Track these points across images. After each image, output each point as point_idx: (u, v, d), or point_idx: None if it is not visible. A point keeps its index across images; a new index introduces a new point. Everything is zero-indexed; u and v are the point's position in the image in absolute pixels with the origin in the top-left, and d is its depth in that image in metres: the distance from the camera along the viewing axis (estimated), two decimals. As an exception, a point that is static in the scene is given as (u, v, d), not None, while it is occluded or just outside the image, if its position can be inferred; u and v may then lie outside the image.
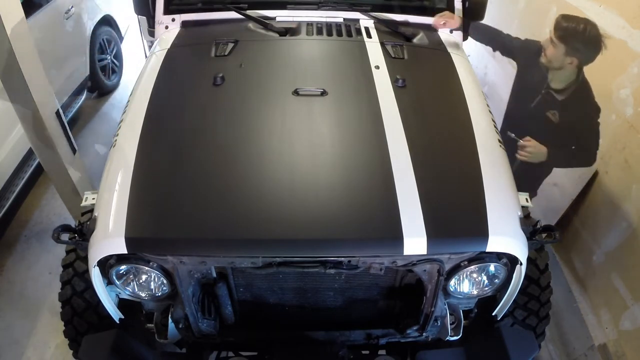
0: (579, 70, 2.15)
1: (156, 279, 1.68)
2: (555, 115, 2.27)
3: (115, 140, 1.89)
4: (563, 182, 2.92)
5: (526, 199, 1.84)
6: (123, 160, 1.78)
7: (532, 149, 2.36)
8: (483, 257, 1.63)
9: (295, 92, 2.02)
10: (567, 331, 2.68)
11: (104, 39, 4.71)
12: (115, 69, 5.02)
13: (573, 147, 2.29)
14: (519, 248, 1.60)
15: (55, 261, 2.98)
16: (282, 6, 2.63)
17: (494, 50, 2.58)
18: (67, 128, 2.71)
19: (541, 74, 2.25)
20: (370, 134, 1.85)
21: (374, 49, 2.34)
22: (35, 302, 2.86)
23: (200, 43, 2.42)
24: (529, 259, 1.65)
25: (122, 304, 1.82)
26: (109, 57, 4.86)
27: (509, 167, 1.87)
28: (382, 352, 1.98)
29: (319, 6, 2.62)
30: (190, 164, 1.74)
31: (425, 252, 1.52)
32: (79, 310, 1.94)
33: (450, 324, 1.80)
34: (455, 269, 1.64)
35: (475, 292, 1.76)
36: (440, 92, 2.18)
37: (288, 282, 1.76)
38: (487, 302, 1.89)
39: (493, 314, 1.88)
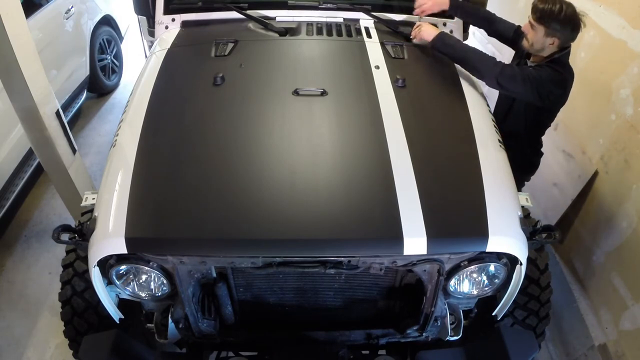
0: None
1: (156, 279, 1.68)
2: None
3: (116, 140, 1.89)
4: (563, 182, 2.92)
5: (526, 199, 1.84)
6: (123, 160, 1.78)
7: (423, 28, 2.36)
8: (483, 257, 1.63)
9: (295, 92, 2.02)
10: (567, 331, 2.68)
11: (104, 39, 4.71)
12: (115, 69, 5.02)
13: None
14: (519, 248, 1.60)
15: (55, 261, 2.98)
16: (282, 6, 2.63)
17: (486, 30, 2.60)
18: (67, 128, 2.71)
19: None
20: (370, 134, 1.85)
21: (374, 49, 2.34)
22: (35, 302, 2.86)
23: (200, 43, 2.42)
24: (529, 259, 1.65)
25: (122, 304, 1.81)
26: (109, 57, 4.86)
27: (509, 167, 1.87)
28: (382, 352, 1.98)
29: (319, 6, 2.62)
30: (190, 164, 1.74)
31: (425, 252, 1.52)
32: (79, 310, 1.94)
33: (450, 324, 1.80)
34: (455, 269, 1.64)
35: (475, 292, 1.76)
36: (440, 92, 2.18)
37: (288, 282, 1.76)
38: (487, 302, 1.89)
39: (493, 314, 1.88)
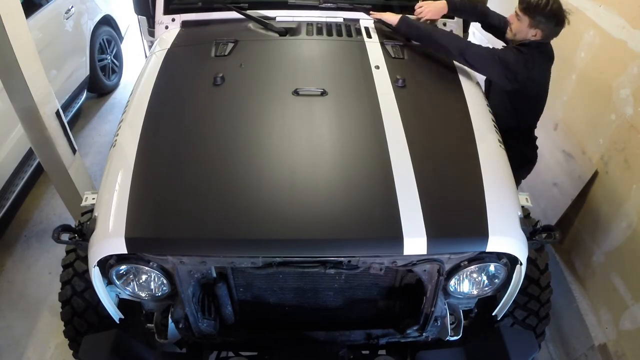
0: None
1: (156, 279, 1.68)
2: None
3: (116, 140, 1.89)
4: (563, 182, 2.92)
5: (526, 199, 1.84)
6: (123, 160, 1.78)
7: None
8: (483, 257, 1.63)
9: (295, 92, 2.02)
10: (567, 331, 2.68)
11: (104, 39, 4.71)
12: (115, 69, 5.02)
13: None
14: (518, 248, 1.60)
15: (55, 261, 2.97)
16: (282, 6, 2.63)
17: (481, 24, 2.62)
18: (67, 128, 2.71)
19: None
20: (370, 134, 1.85)
21: (374, 49, 2.34)
22: (35, 302, 2.86)
23: (200, 43, 2.42)
24: (529, 259, 1.65)
25: (122, 304, 1.81)
26: (109, 57, 4.86)
27: (509, 167, 1.87)
28: (382, 352, 1.98)
29: (319, 5, 2.62)
30: (190, 164, 1.74)
31: (425, 252, 1.52)
32: (79, 310, 1.94)
33: (450, 324, 1.80)
34: (455, 269, 1.64)
35: (475, 292, 1.76)
36: (440, 92, 2.18)
37: (288, 282, 1.76)
38: (487, 302, 1.89)
39: (493, 314, 1.88)
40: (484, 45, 2.24)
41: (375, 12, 2.50)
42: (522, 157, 2.53)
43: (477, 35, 4.42)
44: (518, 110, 2.38)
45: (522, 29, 2.17)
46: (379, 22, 2.53)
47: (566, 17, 2.11)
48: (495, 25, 2.57)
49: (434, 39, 2.26)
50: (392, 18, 2.41)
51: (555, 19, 2.10)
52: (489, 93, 2.45)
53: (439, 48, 2.26)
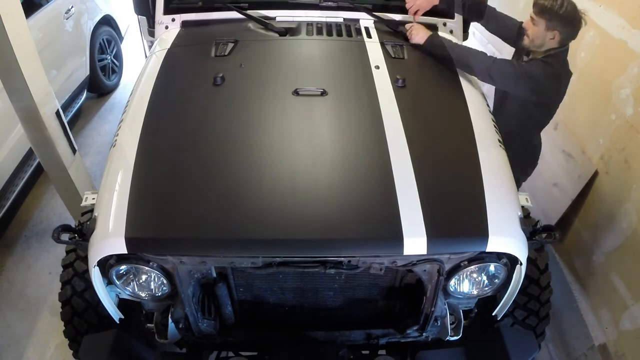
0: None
1: (156, 279, 1.68)
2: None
3: (116, 140, 1.89)
4: (563, 182, 2.92)
5: (526, 199, 1.84)
6: (123, 160, 1.78)
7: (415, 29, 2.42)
8: (483, 257, 1.63)
9: (295, 92, 2.02)
10: (567, 331, 2.68)
11: (104, 39, 4.71)
12: (115, 69, 5.02)
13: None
14: (518, 248, 1.60)
15: (55, 261, 2.98)
16: (282, 6, 2.63)
17: (485, 27, 2.59)
18: (67, 128, 2.71)
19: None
20: (370, 134, 1.85)
21: (374, 49, 2.34)
22: (35, 302, 2.86)
23: (200, 43, 2.42)
24: (529, 259, 1.65)
25: (122, 304, 1.81)
26: (109, 57, 4.86)
27: (509, 167, 1.87)
28: (382, 352, 1.98)
29: (319, 4, 2.62)
30: (190, 164, 1.74)
31: (425, 252, 1.52)
32: (79, 310, 1.94)
33: (450, 324, 1.80)
34: (455, 269, 1.64)
35: (475, 292, 1.76)
36: (440, 92, 2.18)
37: (288, 282, 1.76)
38: (487, 302, 1.89)
39: (493, 314, 1.88)
40: (484, 45, 2.25)
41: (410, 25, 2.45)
42: (522, 159, 2.53)
43: (477, 35, 4.42)
44: (531, 117, 2.38)
45: (539, 34, 2.16)
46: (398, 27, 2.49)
47: (583, 19, 2.10)
48: (502, 28, 2.52)
49: (460, 58, 2.23)
50: (420, 34, 2.36)
51: (571, 20, 2.10)
52: (505, 100, 2.44)
53: (464, 67, 2.24)
